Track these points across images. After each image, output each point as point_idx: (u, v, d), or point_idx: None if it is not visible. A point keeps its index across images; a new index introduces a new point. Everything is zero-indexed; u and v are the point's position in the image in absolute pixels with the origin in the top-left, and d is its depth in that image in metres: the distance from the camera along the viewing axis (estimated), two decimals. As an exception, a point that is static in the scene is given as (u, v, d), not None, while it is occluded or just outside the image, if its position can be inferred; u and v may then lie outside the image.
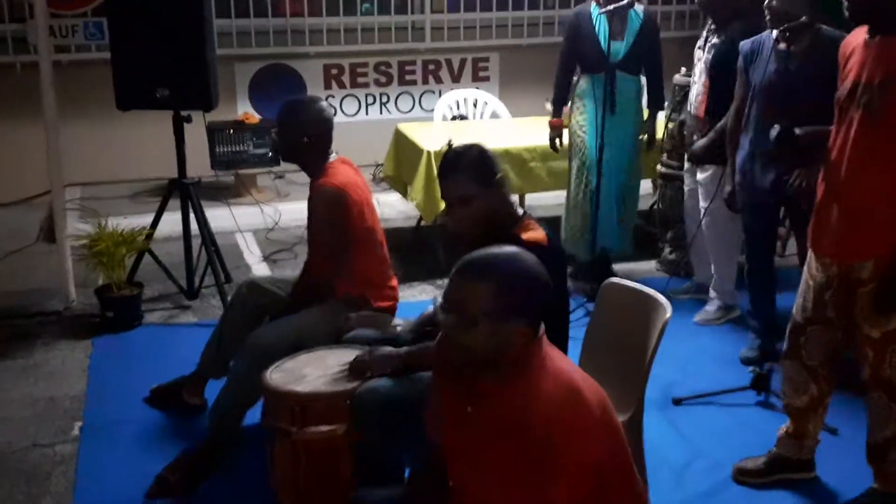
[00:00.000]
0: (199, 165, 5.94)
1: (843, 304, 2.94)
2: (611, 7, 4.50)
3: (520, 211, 2.73)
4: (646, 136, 4.97)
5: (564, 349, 2.66)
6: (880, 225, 2.79)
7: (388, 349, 2.82)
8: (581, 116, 4.83)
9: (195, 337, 4.02)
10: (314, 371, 2.84)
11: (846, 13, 2.81)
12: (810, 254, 3.07)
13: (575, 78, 4.93)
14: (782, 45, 3.66)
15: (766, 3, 3.75)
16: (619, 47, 4.70)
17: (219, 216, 5.49)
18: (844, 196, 2.86)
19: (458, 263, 1.98)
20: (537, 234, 2.64)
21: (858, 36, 2.87)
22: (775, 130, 3.30)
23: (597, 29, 4.67)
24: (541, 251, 2.54)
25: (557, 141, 4.97)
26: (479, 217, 2.63)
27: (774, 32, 3.72)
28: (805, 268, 3.10)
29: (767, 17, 3.74)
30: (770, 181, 3.79)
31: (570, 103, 4.96)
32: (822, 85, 3.56)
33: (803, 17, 3.56)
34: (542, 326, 1.98)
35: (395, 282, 3.51)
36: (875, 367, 2.92)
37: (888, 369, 2.90)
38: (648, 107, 5.03)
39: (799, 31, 3.55)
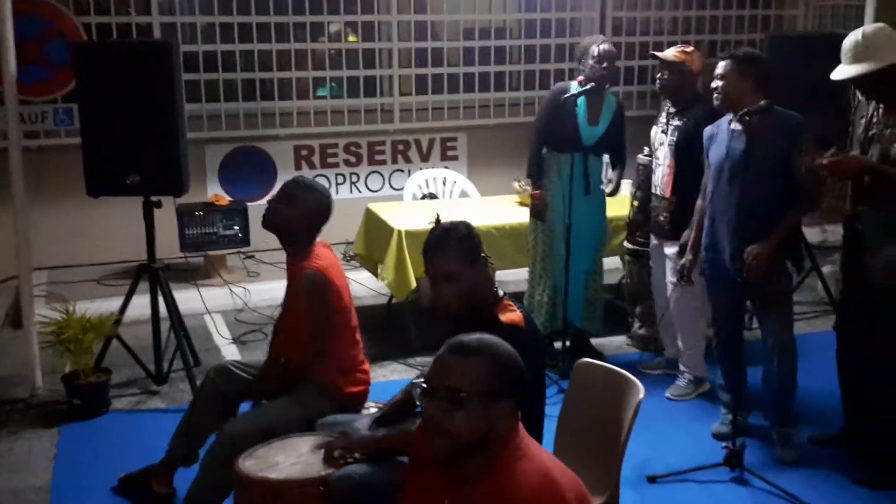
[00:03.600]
0: (168, 247, 5.95)
1: None
2: (573, 93, 4.62)
3: (500, 292, 2.76)
4: (613, 186, 4.97)
5: (541, 432, 2.67)
6: None
7: (363, 432, 2.80)
8: (548, 194, 4.89)
9: (164, 423, 3.96)
10: (287, 458, 2.81)
11: None
12: None
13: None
14: (738, 127, 3.78)
15: (714, 85, 3.89)
16: (595, 132, 4.81)
17: (188, 298, 5.48)
18: None
19: (447, 344, 1.96)
20: (515, 315, 2.68)
21: None
22: None
23: (578, 111, 4.78)
24: (519, 333, 2.58)
25: (541, 206, 4.92)
26: (463, 294, 2.66)
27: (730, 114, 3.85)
28: None
29: (716, 100, 3.89)
30: (729, 256, 3.88)
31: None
32: (778, 164, 3.73)
33: (762, 102, 3.69)
34: (517, 411, 1.98)
35: (366, 366, 3.50)
36: None
37: None
38: (612, 166, 5.06)
39: (758, 114, 3.67)
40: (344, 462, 2.71)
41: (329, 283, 3.29)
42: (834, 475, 3.82)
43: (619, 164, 4.98)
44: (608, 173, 5.09)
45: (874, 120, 3.60)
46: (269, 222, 3.42)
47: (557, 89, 4.95)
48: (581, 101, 4.76)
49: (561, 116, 4.80)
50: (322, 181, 7.18)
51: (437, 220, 2.81)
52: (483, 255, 2.74)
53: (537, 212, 4.94)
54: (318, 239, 3.44)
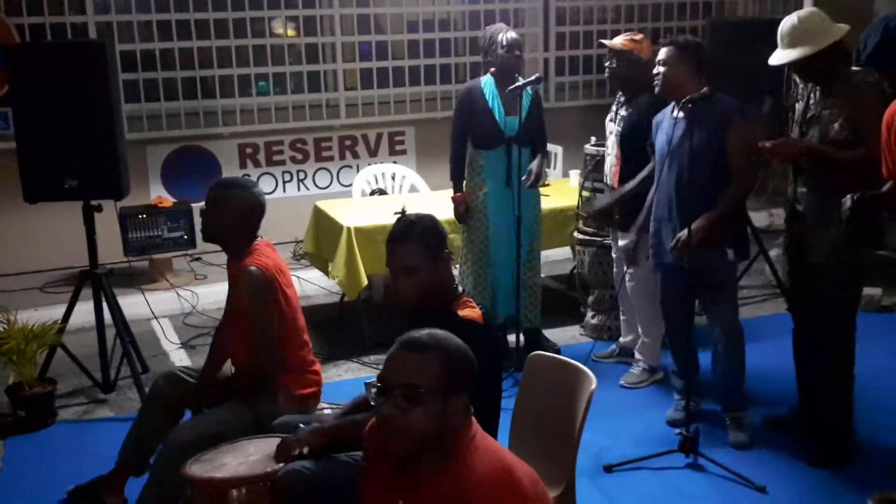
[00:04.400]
0: (112, 252, 5.83)
1: None
2: (520, 83, 4.58)
3: (459, 288, 2.75)
4: (534, 177, 4.82)
5: (496, 428, 2.65)
6: None
7: (315, 425, 2.75)
8: (481, 192, 4.85)
9: (113, 433, 3.88)
10: (234, 459, 2.76)
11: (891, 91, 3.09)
12: None
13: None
14: (681, 114, 3.81)
15: (655, 72, 3.92)
16: (514, 122, 4.75)
17: (133, 303, 5.37)
18: None
19: (398, 341, 1.94)
20: (474, 311, 2.67)
21: None
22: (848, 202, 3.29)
23: (491, 105, 4.74)
24: (477, 329, 2.57)
25: (462, 210, 4.89)
26: (422, 288, 2.64)
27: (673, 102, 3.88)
28: None
29: (657, 87, 3.91)
30: (673, 243, 3.91)
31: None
32: (717, 151, 3.78)
33: (704, 89, 3.72)
34: (470, 406, 1.96)
35: (317, 366, 3.44)
36: None
37: None
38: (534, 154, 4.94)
39: (699, 102, 3.70)
40: (294, 457, 2.66)
41: (272, 282, 3.22)
42: (786, 456, 3.87)
43: (539, 152, 4.93)
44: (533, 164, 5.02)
45: (811, 102, 3.65)
46: (207, 233, 3.35)
47: (468, 88, 4.89)
48: (491, 93, 4.73)
49: (476, 113, 4.75)
50: (268, 179, 7.16)
51: (403, 212, 2.77)
52: (446, 250, 2.71)
53: (459, 215, 4.90)
54: (260, 238, 3.36)
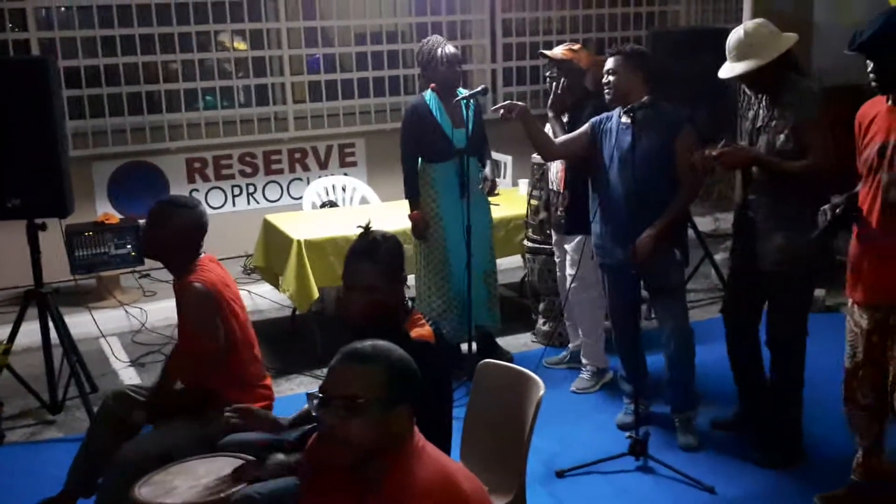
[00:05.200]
0: (59, 270, 5.75)
1: (885, 345, 3.23)
2: (467, 94, 4.62)
3: (409, 305, 2.75)
4: (489, 184, 4.90)
5: (448, 445, 2.67)
6: None
7: (280, 457, 2.71)
8: (434, 204, 4.89)
9: (61, 454, 3.84)
10: (185, 482, 2.73)
11: (874, 84, 3.15)
12: (850, 302, 3.35)
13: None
14: (627, 121, 3.88)
15: (604, 81, 3.99)
16: (462, 134, 4.79)
17: (81, 322, 5.31)
18: (877, 247, 3.16)
19: (340, 353, 1.95)
20: (424, 330, 2.66)
21: (876, 105, 3.23)
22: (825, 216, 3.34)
23: (440, 119, 4.78)
24: (428, 349, 2.57)
25: (421, 227, 4.89)
26: (376, 308, 2.63)
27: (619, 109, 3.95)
28: (848, 317, 3.37)
29: (607, 95, 3.99)
30: (620, 246, 3.97)
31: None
32: (662, 158, 3.86)
33: (645, 98, 3.79)
34: (413, 417, 1.98)
35: (268, 380, 3.43)
36: None
37: None
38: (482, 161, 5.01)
39: (643, 109, 3.77)
40: (251, 479, 2.65)
41: (217, 296, 3.20)
42: (734, 458, 3.94)
43: (488, 160, 4.98)
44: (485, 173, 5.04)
45: (760, 112, 3.73)
46: (148, 251, 3.34)
47: (413, 105, 4.92)
48: (436, 107, 4.77)
49: (426, 129, 4.79)
50: (217, 193, 7.11)
51: (368, 227, 2.74)
52: (404, 273, 2.71)
53: (418, 232, 4.91)
54: (203, 254, 3.34)
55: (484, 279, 5.01)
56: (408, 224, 5.23)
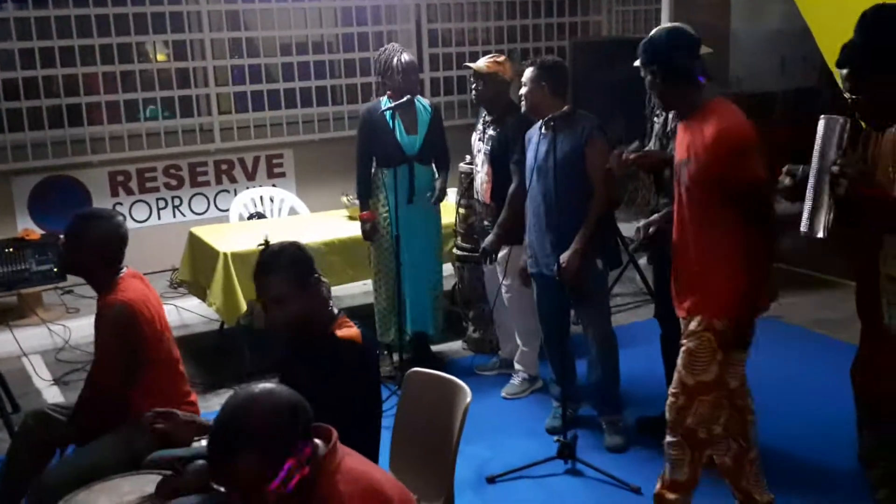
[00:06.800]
0: (-23, 288, 5.59)
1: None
2: (404, 100, 4.66)
3: (335, 309, 2.74)
4: (438, 193, 4.99)
5: (377, 445, 2.68)
6: (708, 284, 3.13)
7: (200, 463, 2.70)
8: (383, 208, 4.92)
9: (-20, 477, 3.70)
10: (109, 500, 2.68)
11: (658, 100, 3.27)
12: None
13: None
14: (546, 131, 3.95)
15: (520, 92, 4.07)
16: (415, 140, 4.86)
17: (2, 341, 5.20)
18: (682, 260, 3.24)
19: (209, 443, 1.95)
20: (351, 331, 2.67)
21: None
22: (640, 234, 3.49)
23: (392, 125, 4.82)
24: (355, 348, 2.58)
25: (368, 227, 4.93)
26: (294, 317, 2.63)
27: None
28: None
29: (523, 107, 4.06)
30: (548, 254, 4.03)
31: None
32: (579, 165, 3.95)
33: (565, 108, 3.88)
34: (335, 434, 1.98)
35: (193, 397, 3.38)
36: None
37: (691, 417, 3.19)
38: (437, 169, 5.09)
39: (560, 120, 3.85)
40: (174, 495, 2.61)
41: (137, 316, 3.15)
42: (660, 458, 4.00)
43: (442, 169, 5.05)
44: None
45: (671, 117, 3.83)
46: (67, 267, 3.27)
47: (368, 108, 4.97)
48: (390, 113, 4.80)
49: (377, 133, 4.84)
50: (142, 207, 7.00)
51: (266, 242, 2.74)
52: (316, 275, 2.71)
53: (365, 232, 4.95)
54: (126, 268, 3.29)
55: (429, 289, 5.05)
56: (337, 234, 5.26)
